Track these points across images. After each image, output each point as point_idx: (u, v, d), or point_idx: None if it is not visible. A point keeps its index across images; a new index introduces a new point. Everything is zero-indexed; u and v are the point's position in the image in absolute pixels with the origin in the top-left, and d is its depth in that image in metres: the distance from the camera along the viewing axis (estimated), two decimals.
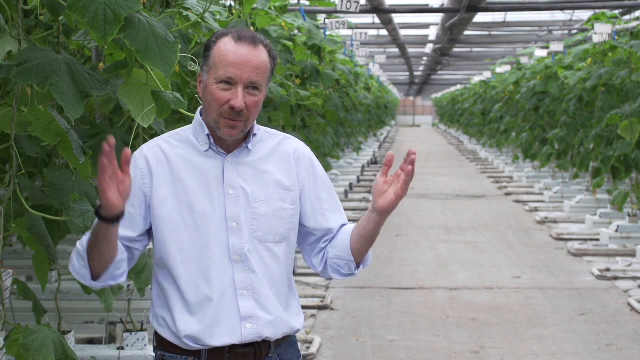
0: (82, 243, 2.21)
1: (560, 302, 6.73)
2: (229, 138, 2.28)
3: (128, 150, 2.05)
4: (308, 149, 2.44)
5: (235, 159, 2.33)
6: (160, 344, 2.34)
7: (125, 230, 2.28)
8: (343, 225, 2.44)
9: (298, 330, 2.40)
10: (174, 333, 2.29)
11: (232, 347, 2.28)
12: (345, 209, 11.66)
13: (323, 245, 2.42)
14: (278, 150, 2.39)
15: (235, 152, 2.33)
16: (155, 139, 2.39)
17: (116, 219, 2.10)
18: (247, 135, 2.34)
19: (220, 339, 2.26)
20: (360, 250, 2.36)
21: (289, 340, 2.39)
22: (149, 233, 2.35)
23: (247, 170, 2.33)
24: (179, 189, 2.29)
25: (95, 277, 2.23)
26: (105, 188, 2.05)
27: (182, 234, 2.27)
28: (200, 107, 2.38)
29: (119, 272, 2.25)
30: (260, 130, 2.40)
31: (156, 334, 2.36)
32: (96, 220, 2.12)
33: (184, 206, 2.28)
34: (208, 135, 2.32)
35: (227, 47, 2.26)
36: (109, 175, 2.04)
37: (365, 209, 12.09)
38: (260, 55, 2.27)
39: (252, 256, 2.29)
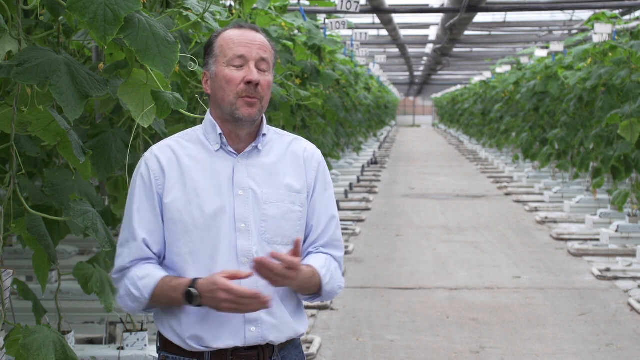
0: (139, 289, 2.24)
1: (560, 302, 6.73)
2: (248, 118, 2.27)
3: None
4: (318, 151, 2.43)
5: (245, 160, 2.32)
6: (164, 345, 2.34)
7: (158, 234, 2.30)
8: (317, 249, 2.40)
9: (302, 335, 2.38)
10: (178, 334, 2.28)
11: (235, 350, 2.27)
12: (345, 209, 11.76)
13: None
14: (288, 152, 2.38)
15: (245, 153, 2.32)
16: (165, 140, 2.38)
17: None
18: (257, 135, 2.34)
19: (224, 341, 2.25)
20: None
21: (293, 343, 2.38)
22: None
23: (258, 172, 2.32)
24: (190, 189, 2.28)
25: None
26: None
27: (192, 236, 2.26)
28: (209, 109, 2.37)
29: None
30: (270, 130, 2.39)
31: (160, 335, 2.35)
32: (169, 296, 2.23)
33: (195, 207, 2.26)
34: (220, 134, 2.31)
35: (232, 34, 2.31)
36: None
37: (365, 209, 12.09)
38: (263, 38, 2.33)
39: None
